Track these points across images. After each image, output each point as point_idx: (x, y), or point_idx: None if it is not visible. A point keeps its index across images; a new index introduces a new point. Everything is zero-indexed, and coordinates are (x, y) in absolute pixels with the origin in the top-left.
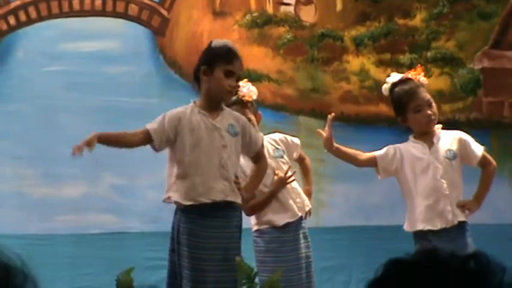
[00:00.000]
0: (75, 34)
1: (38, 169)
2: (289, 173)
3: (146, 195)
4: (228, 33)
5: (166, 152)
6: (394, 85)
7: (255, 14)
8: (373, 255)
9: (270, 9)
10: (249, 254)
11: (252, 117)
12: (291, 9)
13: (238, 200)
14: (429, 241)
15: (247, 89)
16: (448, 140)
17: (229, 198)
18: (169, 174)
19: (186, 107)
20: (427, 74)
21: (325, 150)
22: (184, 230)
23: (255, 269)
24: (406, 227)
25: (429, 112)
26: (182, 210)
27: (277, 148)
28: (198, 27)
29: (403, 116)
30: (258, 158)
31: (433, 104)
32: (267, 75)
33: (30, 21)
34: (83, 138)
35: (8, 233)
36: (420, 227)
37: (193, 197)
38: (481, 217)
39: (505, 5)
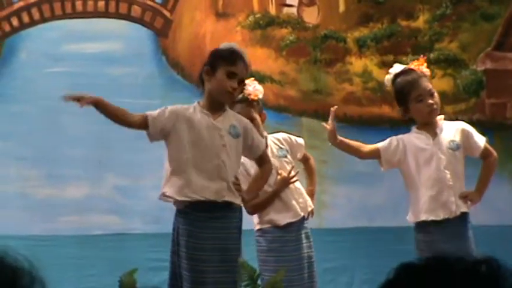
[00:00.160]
0: (78, 35)
1: (42, 170)
2: (293, 173)
3: (149, 196)
4: (231, 35)
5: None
6: (397, 76)
7: (258, 16)
8: (375, 257)
9: (272, 10)
10: (250, 256)
11: (257, 116)
12: (294, 10)
13: (237, 201)
14: (430, 233)
15: (253, 88)
16: (451, 130)
17: (227, 199)
18: (166, 170)
19: (190, 106)
20: (430, 76)
21: (328, 152)
22: (184, 231)
23: (258, 270)
24: (410, 218)
25: (431, 101)
26: (181, 212)
27: (281, 148)
28: (201, 28)
29: (405, 106)
30: (261, 161)
31: (435, 94)
32: (269, 77)
33: (33, 23)
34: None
35: (11, 234)
36: (423, 217)
37: (186, 193)
38: (483, 218)
39: (508, 6)
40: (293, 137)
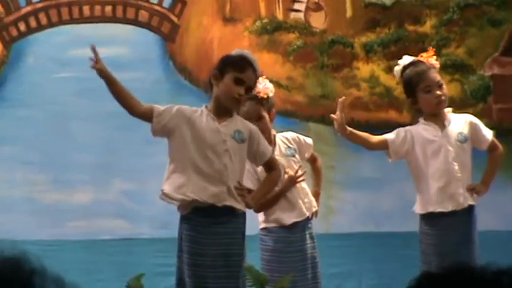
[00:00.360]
0: (85, 40)
1: (49, 175)
2: (300, 172)
3: (156, 201)
4: (238, 40)
5: None
6: (406, 67)
7: (265, 21)
8: (382, 262)
9: (280, 15)
10: (254, 261)
11: (266, 114)
12: (301, 15)
13: (239, 206)
14: (437, 225)
15: (264, 86)
16: (459, 123)
17: (228, 203)
18: (167, 168)
19: (198, 109)
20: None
21: (335, 157)
22: (187, 237)
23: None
24: (417, 209)
25: (439, 93)
26: (185, 218)
27: (289, 147)
28: (208, 33)
29: (413, 97)
30: (268, 168)
31: (444, 86)
32: (276, 82)
33: (40, 28)
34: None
35: (19, 239)
36: (431, 209)
37: (185, 192)
38: (491, 223)
39: None
40: (302, 137)
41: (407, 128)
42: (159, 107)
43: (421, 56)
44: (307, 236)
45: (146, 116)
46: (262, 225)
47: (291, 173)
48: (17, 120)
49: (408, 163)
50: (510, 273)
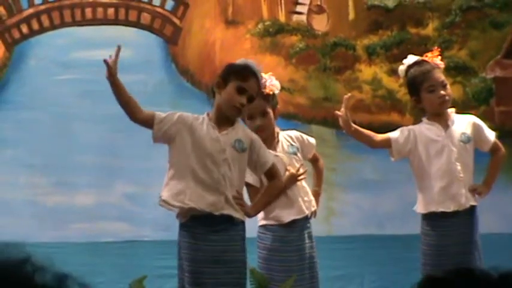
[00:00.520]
0: (87, 42)
1: (51, 177)
2: (301, 171)
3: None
4: (240, 42)
5: None
6: (410, 66)
7: (267, 23)
8: (384, 264)
9: (282, 18)
10: (254, 262)
11: (270, 111)
12: (303, 18)
13: (238, 216)
14: (439, 225)
15: (269, 82)
16: (462, 123)
17: (226, 212)
18: (166, 175)
19: (200, 116)
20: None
21: (337, 159)
22: (185, 244)
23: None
24: (419, 209)
25: (443, 93)
26: (183, 226)
27: (292, 145)
28: (211, 36)
29: (417, 96)
30: (269, 177)
31: (448, 86)
32: None
33: (42, 30)
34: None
35: (21, 242)
36: (433, 208)
37: (182, 199)
38: (493, 225)
39: None
40: (305, 136)
41: (411, 127)
42: (161, 114)
43: (426, 56)
44: (306, 235)
45: (147, 122)
46: (261, 222)
47: (292, 170)
48: (19, 123)
49: (410, 162)
50: None
